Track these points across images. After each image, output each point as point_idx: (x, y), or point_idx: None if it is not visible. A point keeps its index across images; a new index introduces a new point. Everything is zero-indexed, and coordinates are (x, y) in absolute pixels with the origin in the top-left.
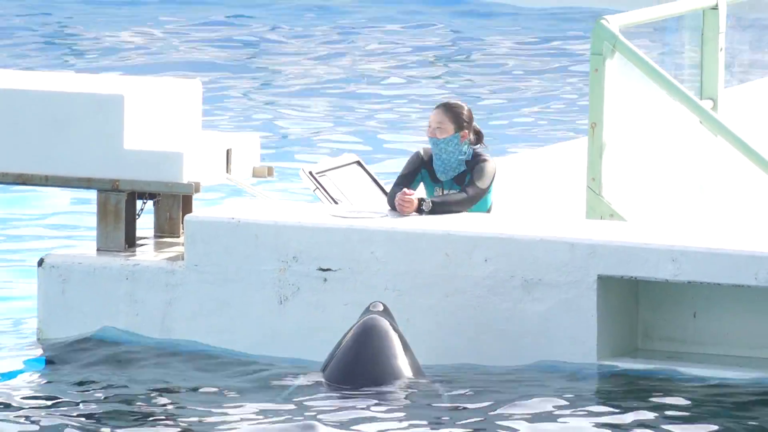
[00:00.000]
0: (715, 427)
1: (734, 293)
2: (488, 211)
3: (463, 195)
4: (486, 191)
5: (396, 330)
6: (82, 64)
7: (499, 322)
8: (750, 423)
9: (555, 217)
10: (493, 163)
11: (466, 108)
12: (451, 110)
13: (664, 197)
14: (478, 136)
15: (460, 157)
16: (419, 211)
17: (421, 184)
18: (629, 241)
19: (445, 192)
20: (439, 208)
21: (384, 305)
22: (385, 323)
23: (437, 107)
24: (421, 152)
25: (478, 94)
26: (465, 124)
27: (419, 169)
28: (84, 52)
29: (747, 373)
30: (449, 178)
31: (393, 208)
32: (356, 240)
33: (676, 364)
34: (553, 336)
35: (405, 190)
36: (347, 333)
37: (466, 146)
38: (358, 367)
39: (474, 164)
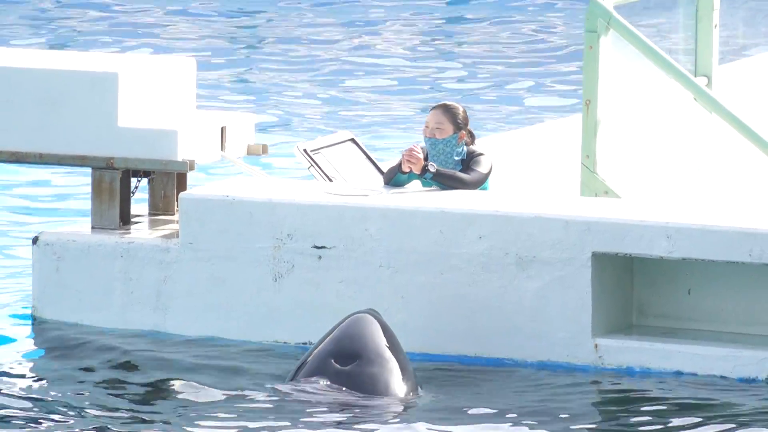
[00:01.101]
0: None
1: (729, 270)
2: None
3: (467, 175)
4: (487, 176)
5: (384, 323)
6: (75, 42)
7: (493, 300)
8: (743, 404)
9: (549, 195)
10: (490, 157)
11: (462, 109)
12: (449, 111)
13: (659, 174)
14: (472, 137)
15: (456, 158)
16: (423, 170)
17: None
18: (624, 218)
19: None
20: (443, 177)
21: (373, 309)
22: (371, 318)
23: (435, 108)
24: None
25: (472, 69)
26: (462, 125)
27: None
28: (77, 31)
29: (741, 350)
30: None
31: (388, 183)
32: (351, 217)
33: (671, 341)
34: (548, 313)
35: (414, 145)
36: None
37: (462, 147)
38: (344, 347)
39: (470, 159)
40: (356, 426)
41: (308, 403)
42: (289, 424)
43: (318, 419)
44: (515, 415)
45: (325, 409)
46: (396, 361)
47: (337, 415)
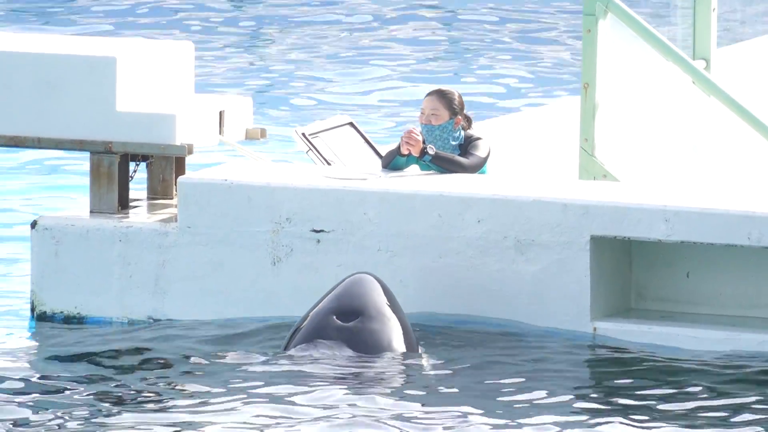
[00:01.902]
0: (706, 392)
1: (727, 253)
2: None
3: (465, 159)
4: (485, 160)
5: (383, 283)
6: (72, 26)
7: (492, 283)
8: (741, 387)
9: (548, 178)
10: (488, 141)
11: (457, 94)
12: (444, 97)
13: (657, 157)
14: (468, 122)
15: (453, 143)
16: (422, 152)
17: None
18: (622, 201)
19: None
20: (441, 160)
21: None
22: (371, 278)
23: (430, 94)
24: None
25: (472, 54)
26: (458, 110)
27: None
28: (74, 14)
29: (740, 333)
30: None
31: (386, 167)
32: (349, 201)
33: (670, 324)
34: (547, 297)
35: (413, 128)
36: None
37: (459, 132)
38: (345, 305)
39: (468, 144)
40: (358, 387)
41: (309, 367)
42: (291, 391)
43: (320, 384)
44: (514, 374)
45: (326, 372)
46: (397, 319)
47: (339, 377)
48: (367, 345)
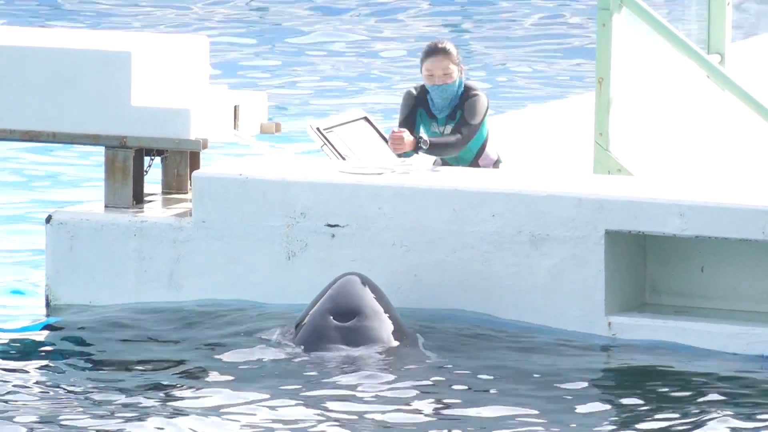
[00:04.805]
0: (719, 387)
1: (742, 248)
2: (484, 142)
3: (458, 136)
4: (479, 126)
5: (372, 283)
6: (87, 22)
7: (506, 278)
8: (756, 382)
9: (562, 173)
10: (485, 97)
11: (454, 46)
12: (450, 55)
13: (672, 152)
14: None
15: (457, 93)
16: (417, 149)
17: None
18: (637, 195)
19: (440, 128)
20: (437, 148)
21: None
22: (360, 278)
23: (434, 53)
24: (413, 91)
25: (486, 47)
26: (459, 61)
27: (416, 109)
28: (89, 11)
29: (754, 328)
30: (445, 114)
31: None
32: (364, 196)
33: (684, 319)
34: (561, 291)
35: (394, 129)
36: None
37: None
38: (341, 305)
39: (465, 99)
40: (362, 387)
41: (314, 364)
42: (294, 388)
43: (325, 382)
44: (528, 369)
45: (331, 370)
46: (392, 317)
47: (345, 374)
48: (368, 342)
